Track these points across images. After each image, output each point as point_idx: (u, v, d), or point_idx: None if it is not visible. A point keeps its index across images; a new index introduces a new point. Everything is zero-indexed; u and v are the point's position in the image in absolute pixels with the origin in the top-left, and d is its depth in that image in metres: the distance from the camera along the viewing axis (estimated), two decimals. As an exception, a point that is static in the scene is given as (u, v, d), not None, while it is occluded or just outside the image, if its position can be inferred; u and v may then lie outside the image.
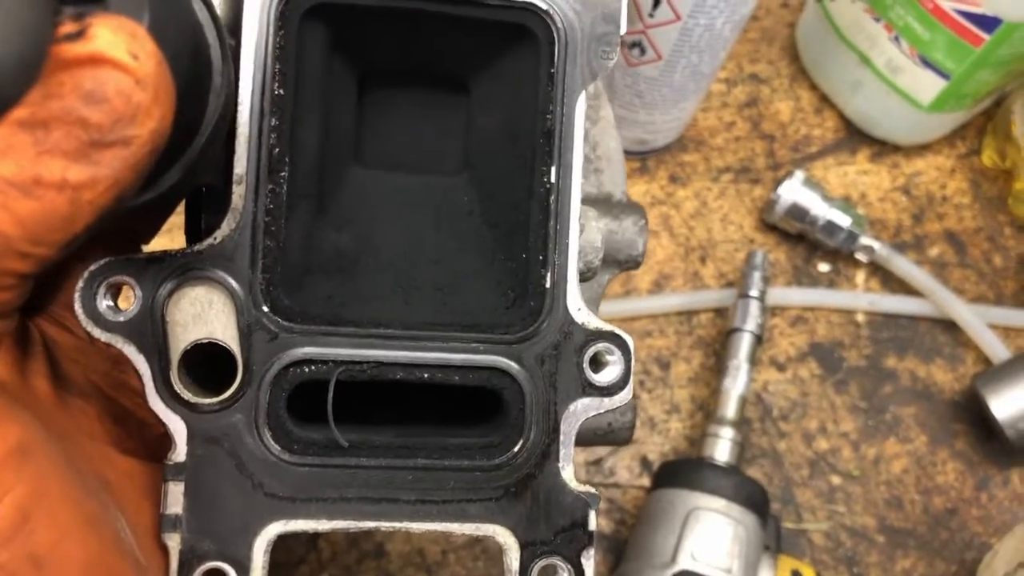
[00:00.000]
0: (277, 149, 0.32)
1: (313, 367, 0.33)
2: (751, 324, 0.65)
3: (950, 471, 0.68)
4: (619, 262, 0.40)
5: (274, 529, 0.32)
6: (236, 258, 0.32)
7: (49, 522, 0.27)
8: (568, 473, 0.34)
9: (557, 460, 0.34)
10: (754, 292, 0.66)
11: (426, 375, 0.34)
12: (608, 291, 0.70)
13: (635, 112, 0.70)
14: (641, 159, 0.75)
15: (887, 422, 0.69)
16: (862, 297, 0.72)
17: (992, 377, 0.67)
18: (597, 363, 0.35)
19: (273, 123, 0.32)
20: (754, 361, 0.65)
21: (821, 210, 0.71)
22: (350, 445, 0.33)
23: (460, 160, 0.38)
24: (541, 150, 0.35)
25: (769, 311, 0.71)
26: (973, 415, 0.69)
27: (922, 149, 0.79)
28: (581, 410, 0.35)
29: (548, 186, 0.35)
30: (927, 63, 0.70)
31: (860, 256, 0.72)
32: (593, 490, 0.35)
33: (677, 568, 0.54)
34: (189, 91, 0.27)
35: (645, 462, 0.65)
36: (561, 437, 0.34)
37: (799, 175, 0.72)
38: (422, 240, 0.37)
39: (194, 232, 0.36)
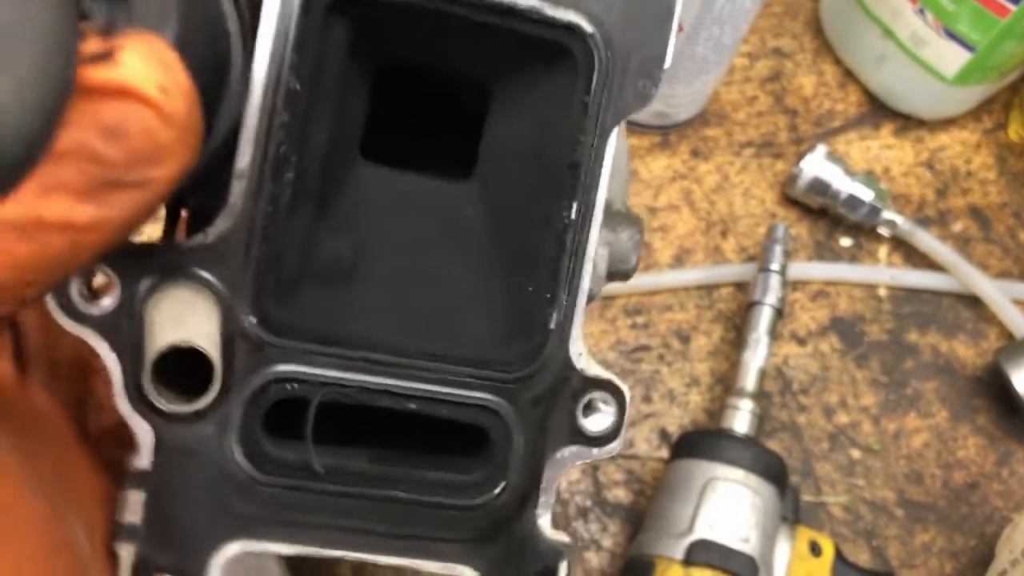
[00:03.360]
0: (284, 147, 0.30)
1: (295, 386, 0.31)
2: (771, 298, 0.65)
3: (971, 446, 0.68)
4: (608, 274, 0.38)
5: (234, 548, 0.31)
6: (227, 261, 0.30)
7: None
8: (545, 521, 0.33)
9: (536, 507, 0.33)
10: (775, 266, 0.66)
11: (413, 405, 0.32)
12: (628, 265, 0.70)
13: (656, 85, 0.70)
14: (663, 133, 0.75)
15: (908, 397, 0.69)
16: (884, 271, 0.72)
17: (1015, 352, 0.67)
18: (590, 409, 0.34)
19: (284, 119, 0.29)
20: (774, 334, 0.65)
21: (843, 184, 0.71)
22: (325, 471, 0.31)
23: (471, 167, 0.36)
24: (565, 182, 0.32)
25: (790, 285, 0.71)
26: (995, 390, 0.69)
27: (947, 123, 0.78)
28: (568, 458, 0.33)
29: (567, 222, 0.32)
30: (951, 35, 0.70)
31: (882, 231, 0.72)
32: (567, 539, 0.34)
33: (695, 537, 0.54)
34: (206, 100, 0.25)
35: (664, 434, 0.65)
36: (543, 483, 0.33)
37: (821, 149, 0.72)
38: (424, 253, 0.35)
39: (174, 214, 0.34)
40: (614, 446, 0.34)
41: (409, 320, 0.34)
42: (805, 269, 0.71)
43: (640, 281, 0.69)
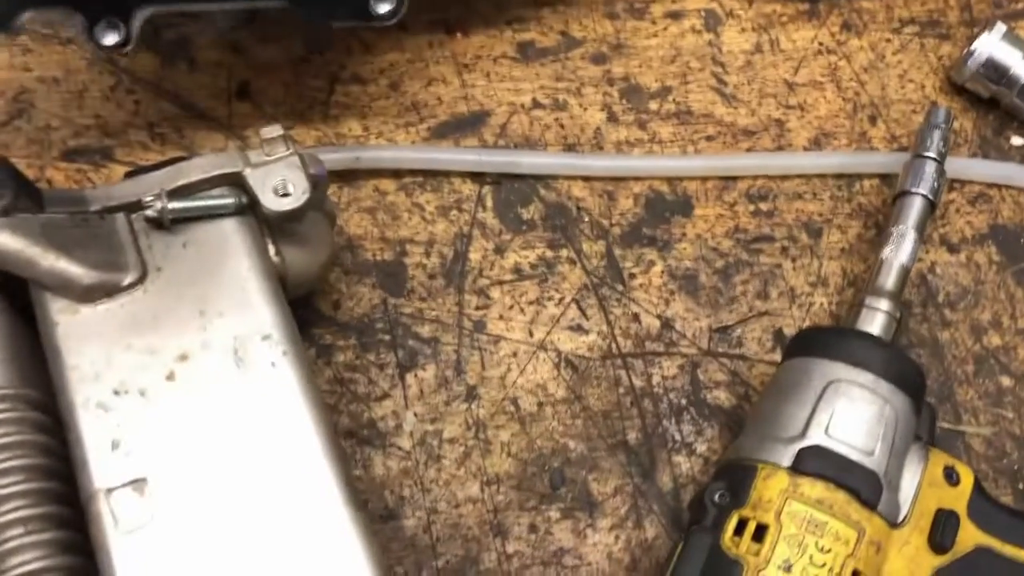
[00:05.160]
0: None
1: None
2: (924, 187, 0.55)
3: None
4: None
5: None
6: None
7: None
8: None
9: None
10: (931, 152, 0.56)
11: None
12: (756, 144, 0.61)
13: (811, -64, 0.60)
14: (811, 0, 0.65)
15: (1077, 323, 0.58)
16: (1063, 177, 0.61)
17: None
18: None
19: None
20: (923, 232, 0.55)
21: (1023, 69, 0.60)
22: None
23: None
24: None
25: (947, 183, 0.60)
26: None
27: None
28: None
29: None
30: None
31: (1066, 129, 0.61)
32: None
33: (807, 443, 0.46)
34: None
35: (779, 335, 0.57)
36: None
37: (1000, 27, 0.61)
38: None
39: None
40: None
41: None
42: (966, 166, 0.61)
43: (769, 162, 0.60)
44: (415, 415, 0.53)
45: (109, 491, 0.39)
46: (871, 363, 0.48)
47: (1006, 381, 0.57)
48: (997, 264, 0.59)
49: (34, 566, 0.37)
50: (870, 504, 0.45)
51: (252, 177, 0.45)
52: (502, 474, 0.52)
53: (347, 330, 0.55)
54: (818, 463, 0.45)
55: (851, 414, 0.47)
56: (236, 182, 0.45)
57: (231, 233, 0.45)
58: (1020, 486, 0.54)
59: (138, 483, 0.39)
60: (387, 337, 0.55)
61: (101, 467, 0.39)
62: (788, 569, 0.43)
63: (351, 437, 0.53)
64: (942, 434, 0.55)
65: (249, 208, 0.46)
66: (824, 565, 0.43)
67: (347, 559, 0.38)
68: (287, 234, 0.47)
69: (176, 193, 0.44)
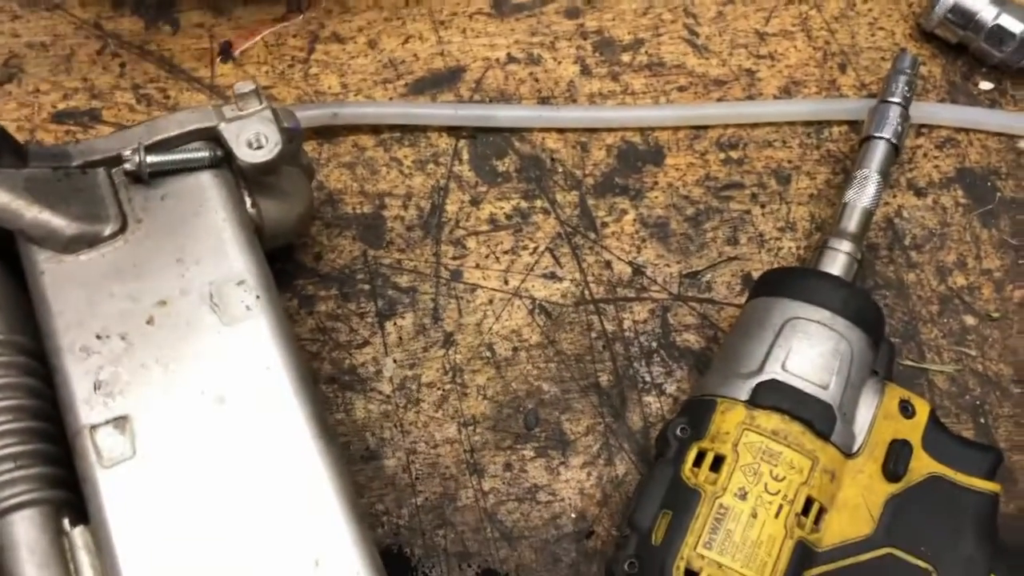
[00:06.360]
0: None
1: None
2: (888, 131, 0.56)
3: (1112, 324, 0.58)
4: None
5: None
6: None
7: None
8: None
9: None
10: (896, 97, 0.57)
11: None
12: (727, 93, 0.62)
13: None
14: (782, -49, 0.66)
15: (1041, 262, 0.59)
16: (1029, 120, 0.62)
17: None
18: None
19: None
20: (887, 176, 0.56)
21: (990, 13, 0.61)
22: None
23: None
24: None
25: (914, 129, 0.62)
26: None
27: None
28: None
29: None
30: None
31: (1032, 73, 0.62)
32: None
33: (764, 377, 0.48)
34: None
35: (748, 280, 0.58)
36: None
37: (968, -27, 0.62)
38: None
39: None
40: None
41: None
42: (933, 111, 0.62)
43: (739, 110, 0.62)
44: (394, 361, 0.55)
45: (93, 428, 0.41)
46: (828, 301, 0.49)
47: (970, 320, 0.58)
48: (963, 207, 0.61)
49: (24, 498, 0.40)
50: (824, 434, 0.47)
51: (227, 131, 0.47)
52: (478, 416, 0.55)
53: (329, 281, 0.57)
54: (774, 396, 0.47)
55: (807, 349, 0.48)
56: (212, 136, 0.47)
57: (207, 185, 0.47)
58: (982, 420, 0.56)
59: (120, 420, 0.41)
60: (367, 287, 0.57)
61: (85, 406, 0.41)
62: (744, 496, 0.45)
63: (333, 383, 0.55)
64: (906, 372, 0.57)
65: (224, 161, 0.48)
66: (779, 492, 0.45)
67: (314, 488, 0.41)
68: (263, 187, 0.49)
69: (154, 148, 0.46)
